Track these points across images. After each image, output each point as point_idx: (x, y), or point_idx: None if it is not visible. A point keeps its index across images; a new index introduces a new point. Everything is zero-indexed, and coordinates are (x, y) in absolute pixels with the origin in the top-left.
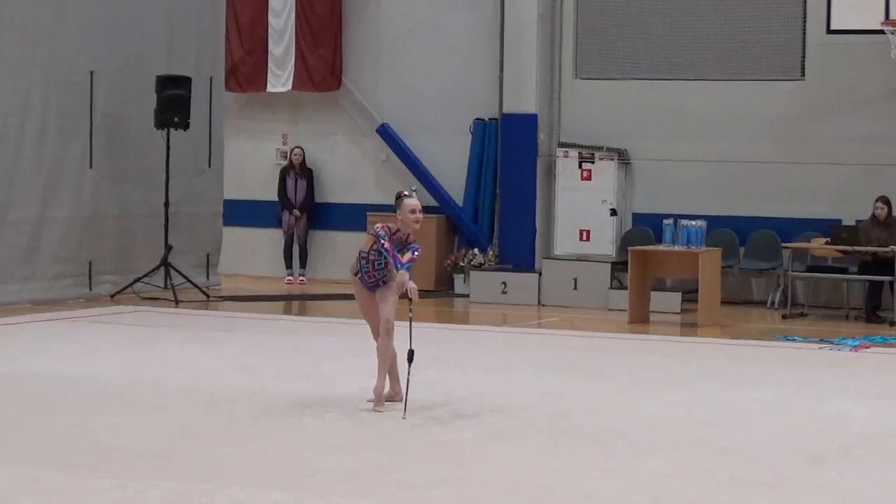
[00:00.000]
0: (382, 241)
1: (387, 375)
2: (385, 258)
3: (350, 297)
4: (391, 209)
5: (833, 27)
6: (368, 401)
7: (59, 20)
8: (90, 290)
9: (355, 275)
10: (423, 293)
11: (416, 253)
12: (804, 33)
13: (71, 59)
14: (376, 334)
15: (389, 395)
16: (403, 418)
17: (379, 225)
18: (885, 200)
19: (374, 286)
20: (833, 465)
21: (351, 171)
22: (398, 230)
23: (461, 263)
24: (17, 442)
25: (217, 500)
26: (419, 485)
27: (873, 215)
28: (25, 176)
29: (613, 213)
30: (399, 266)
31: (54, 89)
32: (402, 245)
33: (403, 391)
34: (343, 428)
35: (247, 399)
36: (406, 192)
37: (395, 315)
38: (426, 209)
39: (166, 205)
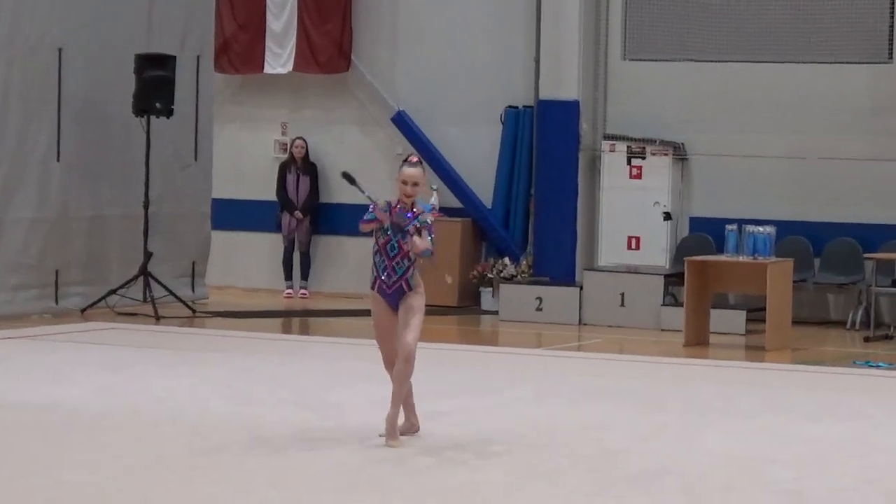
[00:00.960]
0: (376, 216)
1: (401, 406)
2: (396, 237)
3: (360, 313)
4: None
5: None
6: (380, 435)
7: None
8: (57, 303)
9: (373, 287)
10: (446, 309)
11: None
12: (893, 8)
13: (35, 33)
14: (389, 365)
15: (404, 427)
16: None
17: (372, 204)
18: None
19: (398, 294)
20: None
21: (361, 166)
22: (398, 202)
23: (489, 275)
24: None
25: None
26: None
27: None
28: None
29: (667, 217)
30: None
31: (16, 69)
32: (409, 215)
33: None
34: (350, 467)
35: (238, 431)
36: (413, 158)
37: (418, 341)
38: (449, 211)
39: (146, 205)
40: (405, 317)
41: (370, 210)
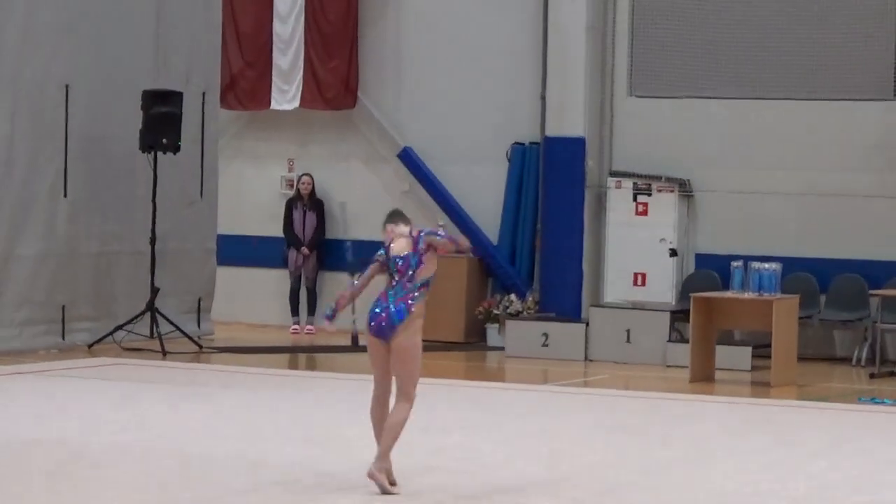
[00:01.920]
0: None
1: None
2: (403, 266)
3: (366, 349)
4: None
5: None
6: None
7: (28, 24)
8: (64, 339)
9: (367, 323)
10: (452, 345)
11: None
12: None
13: (42, 70)
14: (379, 401)
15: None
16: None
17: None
18: None
19: (398, 314)
20: None
21: (367, 202)
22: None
23: (495, 311)
24: None
25: None
26: None
27: None
28: None
29: (673, 253)
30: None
31: (23, 105)
32: (414, 241)
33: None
34: (356, 479)
35: (243, 468)
36: (393, 211)
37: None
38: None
39: (152, 241)
40: (401, 358)
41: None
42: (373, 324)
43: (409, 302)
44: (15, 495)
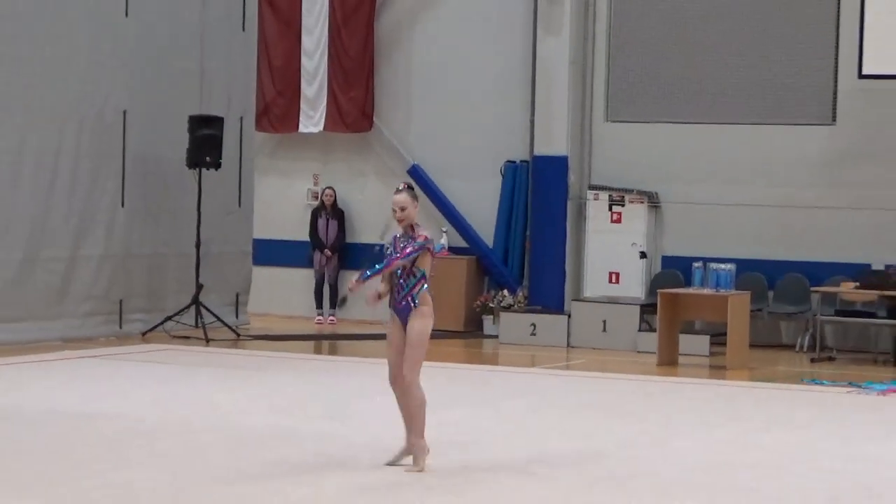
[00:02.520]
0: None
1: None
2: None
3: (382, 336)
4: None
5: (865, 72)
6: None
7: (91, 60)
8: (121, 328)
9: (389, 305)
10: (453, 334)
11: (415, 247)
12: (836, 78)
13: (103, 98)
14: (392, 378)
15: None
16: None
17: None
18: None
19: (405, 310)
20: None
21: (382, 211)
22: (397, 234)
23: (491, 305)
24: (45, 480)
25: None
26: None
27: None
28: (58, 215)
29: (643, 255)
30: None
31: (87, 129)
32: (410, 238)
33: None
34: (376, 469)
35: (275, 439)
36: (400, 185)
37: (417, 373)
38: (456, 250)
39: (197, 244)
40: (407, 349)
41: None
42: (399, 306)
43: (413, 295)
44: (79, 460)
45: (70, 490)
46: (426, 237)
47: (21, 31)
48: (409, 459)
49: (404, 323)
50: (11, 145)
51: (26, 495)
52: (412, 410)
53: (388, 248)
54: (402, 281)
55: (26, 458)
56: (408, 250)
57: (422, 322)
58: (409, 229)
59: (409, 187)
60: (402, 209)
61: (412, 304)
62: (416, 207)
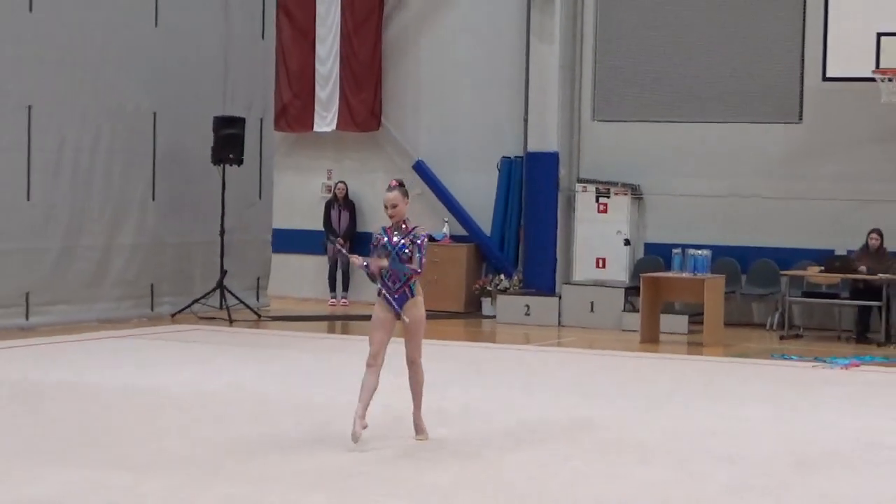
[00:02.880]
0: (377, 244)
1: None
2: (398, 255)
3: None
4: (428, 239)
5: (828, 75)
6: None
7: (124, 66)
8: (152, 310)
9: (378, 294)
10: (454, 314)
11: (423, 248)
12: (802, 80)
13: (135, 101)
14: (371, 358)
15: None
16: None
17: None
18: (879, 232)
19: (402, 298)
20: (824, 472)
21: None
22: (386, 226)
23: (489, 288)
24: (88, 446)
25: (264, 502)
26: (448, 485)
27: (867, 245)
28: (94, 207)
29: (627, 242)
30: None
31: (120, 129)
32: (405, 233)
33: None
34: (382, 432)
35: (293, 409)
36: (392, 182)
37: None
38: (457, 238)
39: (221, 233)
40: (414, 333)
41: (367, 272)
42: (395, 295)
43: (410, 285)
44: (116, 427)
45: (111, 456)
46: (424, 235)
47: (62, 40)
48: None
49: (396, 309)
50: (52, 144)
51: (71, 461)
52: (420, 387)
53: (377, 237)
54: (391, 278)
55: (68, 428)
56: (416, 254)
57: (422, 309)
58: (401, 223)
59: (401, 184)
60: (394, 206)
61: (409, 294)
62: (407, 204)
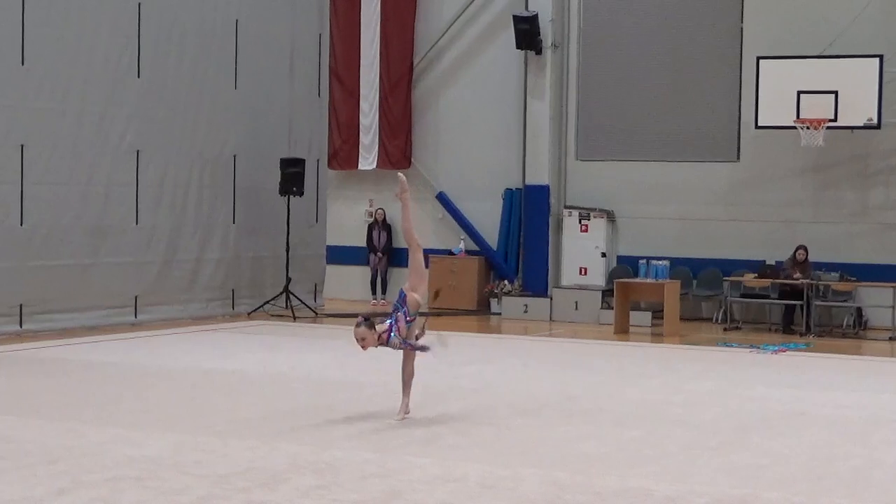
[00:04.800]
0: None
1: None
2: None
3: (421, 314)
4: (447, 252)
5: (760, 124)
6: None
7: (212, 118)
8: (233, 309)
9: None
10: (469, 312)
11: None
12: (739, 128)
13: (220, 146)
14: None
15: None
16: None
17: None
18: (805, 248)
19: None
20: (757, 433)
21: (417, 225)
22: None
23: (496, 291)
24: (183, 416)
25: (322, 458)
26: (465, 445)
27: (794, 257)
28: (188, 229)
29: (603, 255)
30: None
31: (209, 168)
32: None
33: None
34: (417, 405)
35: (346, 389)
36: (358, 320)
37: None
38: (470, 252)
39: (287, 249)
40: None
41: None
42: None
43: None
44: (207, 402)
45: (201, 424)
46: (399, 342)
47: (166, 99)
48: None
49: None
50: (155, 179)
51: (169, 428)
52: (409, 374)
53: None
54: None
55: (167, 402)
56: (409, 343)
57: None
58: (378, 339)
59: (366, 319)
60: (363, 339)
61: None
62: (375, 336)
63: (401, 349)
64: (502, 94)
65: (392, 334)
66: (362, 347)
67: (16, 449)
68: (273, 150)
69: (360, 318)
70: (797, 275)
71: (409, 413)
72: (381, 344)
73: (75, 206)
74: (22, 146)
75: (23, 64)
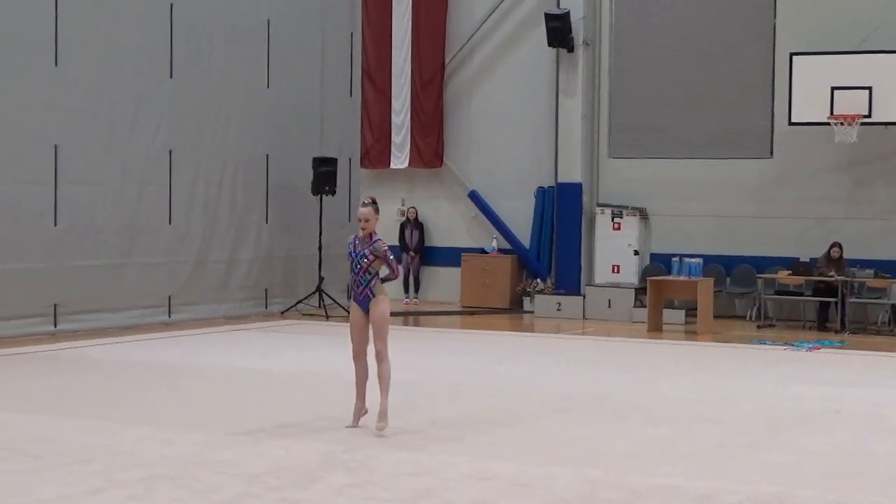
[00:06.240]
0: (352, 252)
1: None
2: (358, 263)
3: (449, 313)
4: (480, 251)
5: (793, 120)
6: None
7: (244, 120)
8: (266, 308)
9: (349, 297)
10: (501, 310)
11: (390, 259)
12: (772, 125)
13: (252, 146)
14: (355, 355)
15: (362, 410)
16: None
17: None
18: (839, 246)
19: (365, 300)
20: (791, 430)
21: (450, 224)
22: (357, 235)
23: (528, 289)
24: (215, 414)
25: (355, 457)
26: (498, 443)
27: (829, 254)
28: (221, 229)
29: (636, 253)
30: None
31: (241, 168)
32: (368, 243)
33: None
34: (449, 403)
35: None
36: (366, 199)
37: (387, 343)
38: (503, 251)
39: (319, 248)
40: (377, 329)
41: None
42: (360, 298)
43: (371, 287)
44: (237, 399)
45: (233, 422)
46: (385, 248)
47: (198, 101)
48: (367, 419)
49: (365, 310)
50: (188, 179)
51: (202, 426)
52: (386, 376)
53: (349, 246)
54: (359, 278)
55: (200, 400)
56: (384, 265)
57: (383, 306)
58: (368, 236)
59: (373, 202)
60: (366, 220)
61: (370, 295)
62: (377, 219)
63: (382, 257)
64: (534, 93)
65: (386, 247)
66: (362, 228)
67: (51, 448)
68: (305, 149)
69: (368, 199)
70: (831, 273)
71: (387, 425)
72: (368, 245)
73: (109, 207)
74: (56, 147)
75: (56, 65)
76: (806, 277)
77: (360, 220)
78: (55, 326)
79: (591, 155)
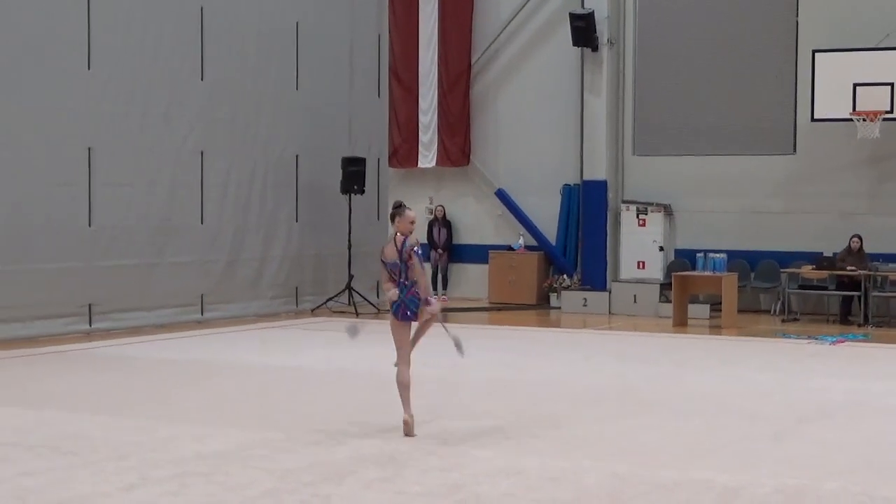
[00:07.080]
0: (411, 256)
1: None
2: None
3: (476, 309)
4: (506, 248)
5: (816, 116)
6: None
7: (274, 120)
8: (296, 306)
9: (394, 313)
10: (529, 306)
11: (419, 266)
12: (795, 121)
13: (282, 146)
14: (405, 368)
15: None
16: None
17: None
18: (859, 237)
19: (413, 300)
20: (816, 423)
21: (477, 222)
22: (393, 239)
23: (555, 285)
24: (246, 412)
25: (386, 451)
26: (527, 437)
27: (849, 246)
28: (252, 228)
29: (661, 249)
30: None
31: (272, 168)
32: (399, 248)
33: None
34: (472, 390)
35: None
36: (408, 207)
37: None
38: (530, 247)
39: (349, 246)
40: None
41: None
42: (398, 312)
43: (416, 291)
44: (265, 399)
45: (266, 419)
46: (417, 250)
47: (229, 103)
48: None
49: (408, 321)
50: (219, 179)
51: (235, 424)
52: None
53: (382, 259)
54: (404, 282)
55: (234, 398)
56: (419, 277)
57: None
58: (402, 239)
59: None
60: (413, 222)
61: (417, 301)
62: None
63: (413, 262)
64: (559, 91)
65: (414, 246)
66: (410, 231)
67: (85, 445)
68: (334, 149)
69: (398, 202)
70: (850, 266)
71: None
72: (404, 247)
73: (141, 207)
74: (89, 149)
75: (89, 68)
76: (829, 272)
77: (412, 223)
78: (90, 325)
79: (616, 152)
